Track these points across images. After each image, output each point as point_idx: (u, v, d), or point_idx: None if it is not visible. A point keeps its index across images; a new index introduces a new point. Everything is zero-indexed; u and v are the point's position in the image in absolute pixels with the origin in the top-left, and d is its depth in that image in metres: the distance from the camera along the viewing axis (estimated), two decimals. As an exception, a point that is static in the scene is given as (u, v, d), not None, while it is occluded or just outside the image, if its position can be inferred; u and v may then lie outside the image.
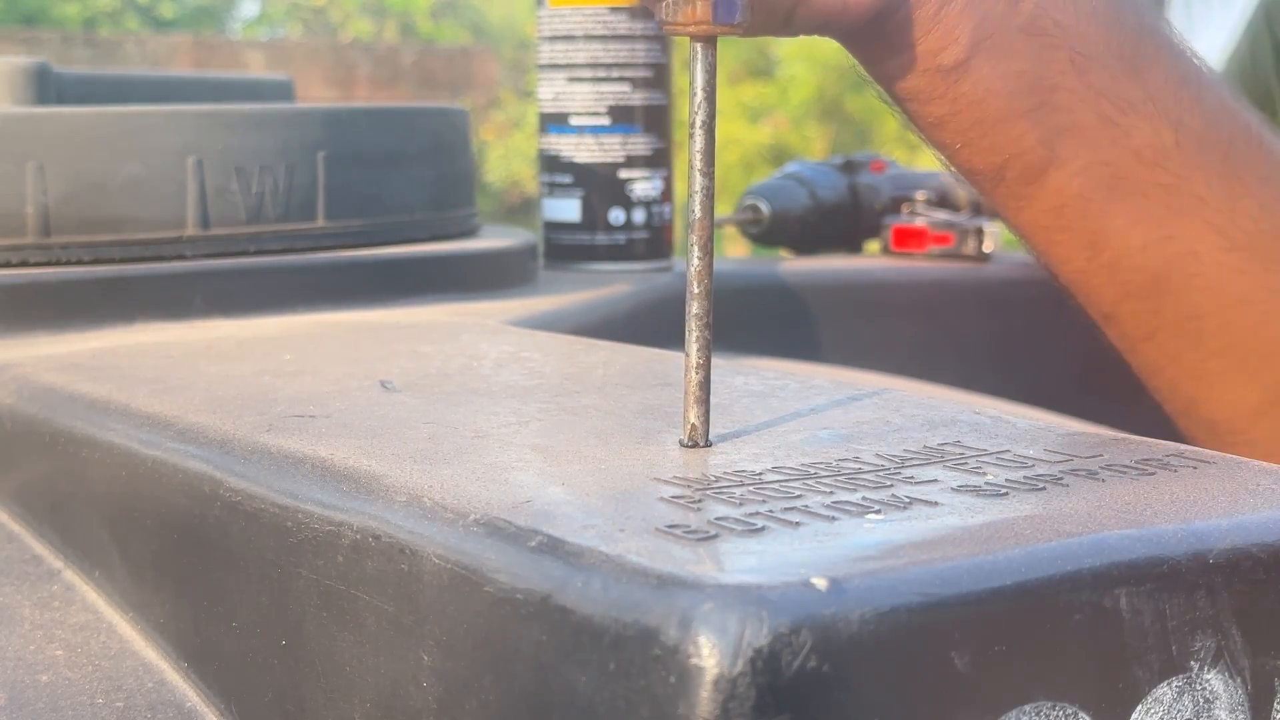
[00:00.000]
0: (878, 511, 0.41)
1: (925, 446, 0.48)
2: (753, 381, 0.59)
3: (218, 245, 0.77)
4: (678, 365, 0.59)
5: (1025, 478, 0.44)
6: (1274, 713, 0.41)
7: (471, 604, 0.39)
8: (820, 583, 0.35)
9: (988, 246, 1.24)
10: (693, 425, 0.48)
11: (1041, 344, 1.25)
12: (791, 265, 1.26)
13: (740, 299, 1.16)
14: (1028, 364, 1.27)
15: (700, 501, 0.41)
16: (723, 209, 1.15)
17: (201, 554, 0.51)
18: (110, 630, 0.54)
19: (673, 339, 0.63)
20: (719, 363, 0.51)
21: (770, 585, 0.35)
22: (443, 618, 0.40)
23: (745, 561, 0.37)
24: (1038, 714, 0.37)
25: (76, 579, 0.58)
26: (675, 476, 0.44)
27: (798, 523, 0.39)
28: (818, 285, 1.22)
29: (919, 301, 1.25)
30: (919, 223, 1.27)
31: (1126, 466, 0.46)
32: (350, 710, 0.44)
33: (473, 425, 0.51)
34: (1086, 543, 0.39)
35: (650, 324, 0.96)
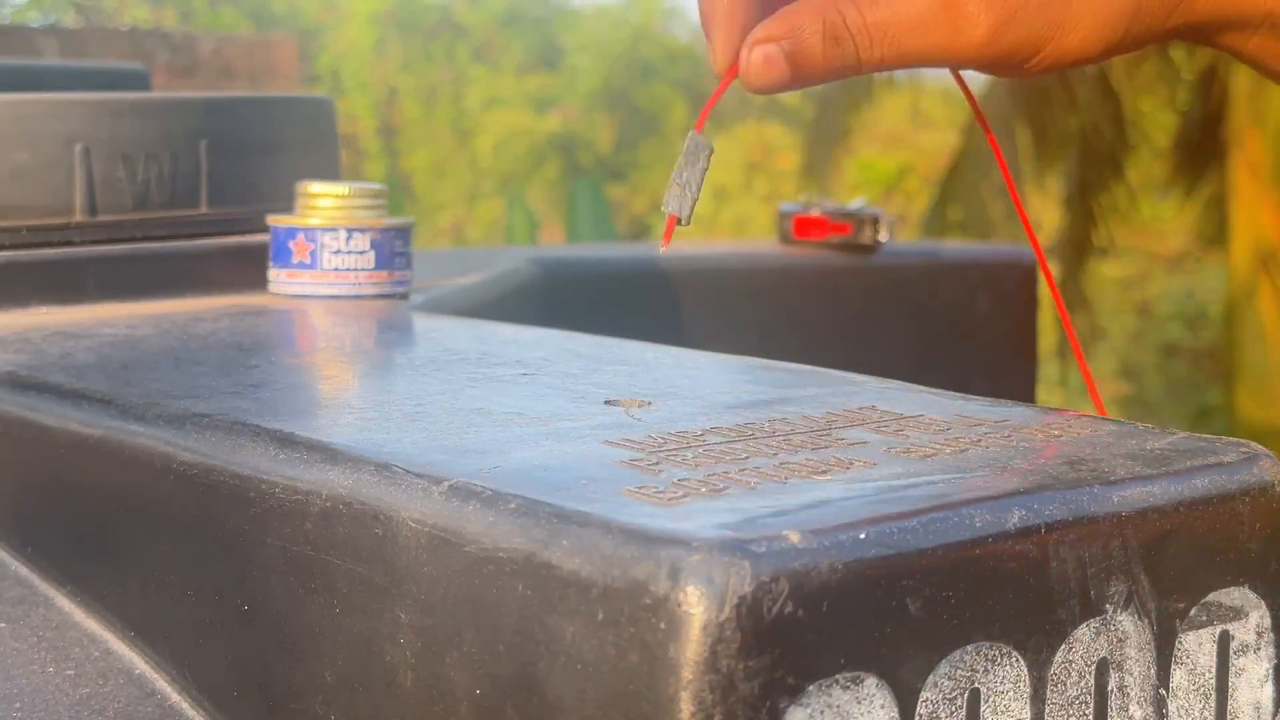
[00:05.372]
0: (824, 472, 0.44)
1: (845, 409, 0.52)
2: (663, 356, 0.62)
3: (105, 231, 0.78)
4: (589, 343, 0.62)
5: (946, 439, 0.48)
6: (1174, 650, 0.45)
7: (451, 564, 0.42)
8: (794, 536, 0.38)
9: (883, 235, 1.28)
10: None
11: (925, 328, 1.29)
12: (693, 251, 1.29)
13: (626, 284, 1.18)
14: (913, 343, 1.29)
15: (657, 464, 0.44)
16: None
17: (148, 526, 0.52)
18: (48, 603, 0.56)
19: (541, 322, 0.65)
20: (630, 342, 0.54)
21: (751, 539, 0.38)
22: (420, 577, 0.43)
23: (722, 518, 0.40)
24: (978, 653, 0.41)
25: (6, 556, 0.59)
26: (624, 438, 0.47)
27: (755, 483, 0.43)
28: (721, 271, 1.25)
29: (816, 288, 1.28)
30: (815, 213, 1.30)
31: (1036, 429, 0.50)
32: (320, 669, 0.46)
33: (414, 395, 0.54)
34: (1017, 500, 0.43)
35: (518, 308, 0.99)
